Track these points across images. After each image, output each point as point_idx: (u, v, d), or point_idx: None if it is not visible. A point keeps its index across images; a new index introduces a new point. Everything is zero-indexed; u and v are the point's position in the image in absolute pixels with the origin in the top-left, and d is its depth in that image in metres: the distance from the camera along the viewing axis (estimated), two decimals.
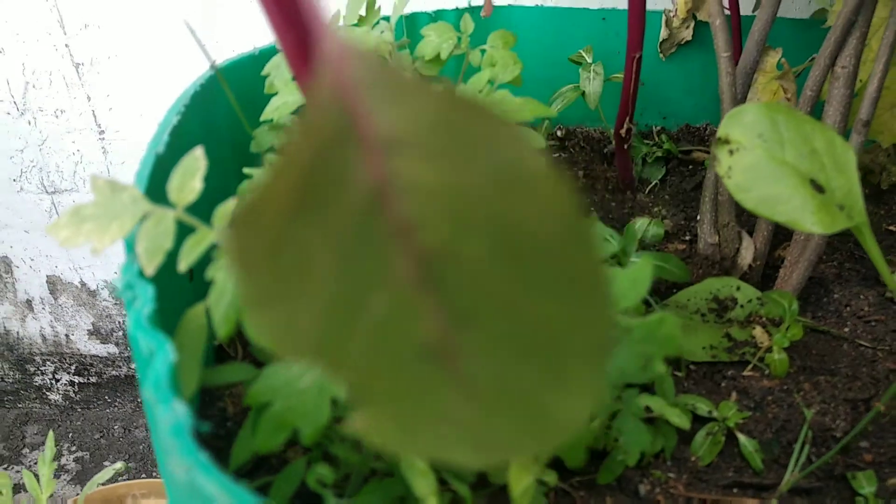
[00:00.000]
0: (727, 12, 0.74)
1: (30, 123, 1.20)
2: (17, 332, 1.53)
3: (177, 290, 0.28)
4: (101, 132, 1.19)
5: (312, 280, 0.13)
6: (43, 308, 1.48)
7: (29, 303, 1.48)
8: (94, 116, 1.18)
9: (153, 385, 0.19)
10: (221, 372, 0.26)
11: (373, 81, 0.15)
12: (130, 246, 0.26)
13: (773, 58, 0.69)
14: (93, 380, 1.60)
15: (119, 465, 0.73)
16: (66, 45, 1.11)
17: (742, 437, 0.46)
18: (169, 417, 0.18)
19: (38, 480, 0.61)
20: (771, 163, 0.39)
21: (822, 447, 0.47)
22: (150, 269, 0.24)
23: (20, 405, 1.63)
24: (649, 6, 0.81)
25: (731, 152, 0.40)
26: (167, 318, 0.26)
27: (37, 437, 1.60)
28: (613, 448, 0.40)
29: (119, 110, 1.17)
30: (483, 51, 0.54)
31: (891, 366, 0.53)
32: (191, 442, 0.18)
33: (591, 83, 0.73)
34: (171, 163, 0.36)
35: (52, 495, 0.68)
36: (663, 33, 0.80)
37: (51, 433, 0.66)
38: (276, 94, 0.48)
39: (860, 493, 0.44)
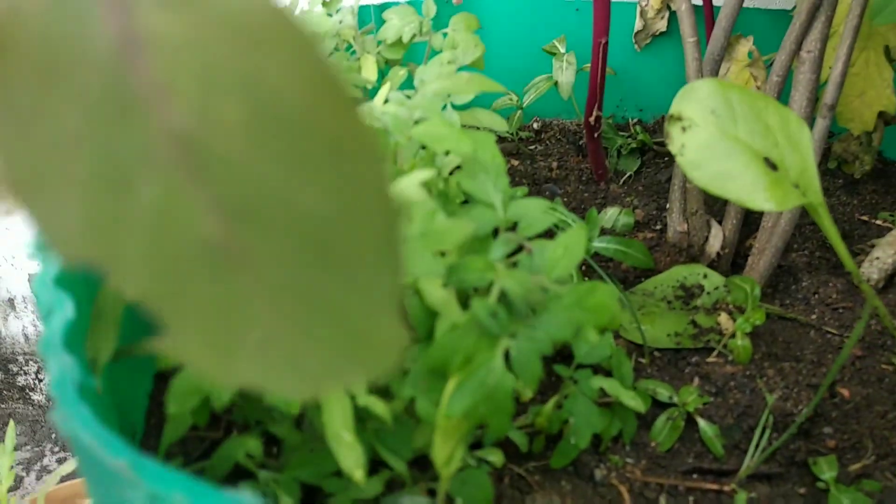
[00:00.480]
0: (699, 0, 0.74)
1: None
2: (0, 332, 1.52)
3: None
4: None
5: (71, 160, 0.12)
6: (25, 307, 1.47)
7: (11, 301, 1.47)
8: None
9: (45, 341, 0.19)
10: (140, 346, 0.26)
11: None
12: None
13: (745, 46, 0.68)
14: None
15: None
16: None
17: (702, 423, 0.46)
18: (56, 369, 0.18)
19: None
20: (723, 139, 0.39)
21: (783, 432, 0.46)
22: None
23: (3, 405, 1.62)
24: None
25: (683, 129, 0.39)
26: (92, 285, 0.26)
27: (20, 437, 1.59)
28: (566, 431, 0.40)
29: None
30: (445, 34, 0.53)
31: (858, 352, 0.52)
32: (73, 393, 0.17)
33: (564, 73, 0.73)
34: None
35: (16, 488, 0.67)
36: (638, 24, 0.80)
37: (11, 423, 0.65)
38: None
39: (821, 479, 0.43)
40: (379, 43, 0.55)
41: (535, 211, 0.31)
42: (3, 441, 0.64)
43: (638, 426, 0.46)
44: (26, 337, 1.54)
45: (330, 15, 0.55)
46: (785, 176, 0.39)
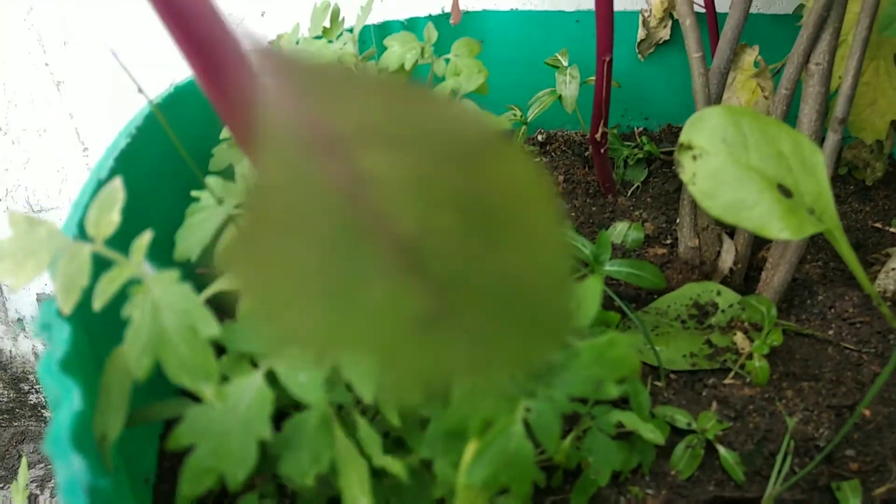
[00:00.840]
0: (703, 10, 0.73)
1: (13, 143, 1.19)
2: (10, 352, 1.52)
3: (109, 328, 0.27)
4: (85, 149, 1.18)
5: (309, 281, 0.14)
6: (34, 326, 1.47)
7: (20, 321, 1.48)
8: (77, 133, 1.17)
9: (52, 438, 0.18)
10: (151, 410, 0.25)
11: (311, 84, 0.16)
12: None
13: (751, 55, 0.68)
14: None
15: None
16: (46, 64, 1.10)
17: (722, 450, 0.45)
18: (64, 474, 0.17)
19: None
20: (736, 168, 0.38)
21: (805, 457, 0.46)
22: (66, 308, 0.23)
23: (16, 424, 1.62)
24: (626, 7, 0.80)
25: (694, 158, 0.39)
26: (101, 356, 0.25)
27: (33, 455, 1.59)
28: (585, 467, 0.39)
29: (101, 126, 1.16)
30: (447, 60, 0.52)
31: (876, 369, 0.52)
32: (84, 500, 0.17)
33: (568, 87, 0.72)
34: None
35: None
36: (641, 33, 0.79)
37: (24, 461, 0.65)
38: None
39: None
40: (380, 71, 0.55)
41: None
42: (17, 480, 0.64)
43: (656, 455, 0.45)
44: (36, 356, 1.55)
45: (331, 41, 0.55)
46: (800, 202, 0.39)
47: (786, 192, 0.39)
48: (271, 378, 0.23)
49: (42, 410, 1.62)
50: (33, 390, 1.61)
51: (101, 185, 0.33)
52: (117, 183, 0.25)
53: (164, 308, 0.22)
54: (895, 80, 0.58)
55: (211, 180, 0.32)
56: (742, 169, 0.38)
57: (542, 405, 0.25)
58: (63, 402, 0.20)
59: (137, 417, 0.26)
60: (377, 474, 0.30)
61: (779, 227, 0.37)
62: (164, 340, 0.22)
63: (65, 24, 1.07)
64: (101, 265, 0.24)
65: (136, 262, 0.23)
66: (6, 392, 1.59)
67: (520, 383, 0.25)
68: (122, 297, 0.25)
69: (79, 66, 1.10)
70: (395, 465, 0.27)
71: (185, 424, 0.22)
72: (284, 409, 0.27)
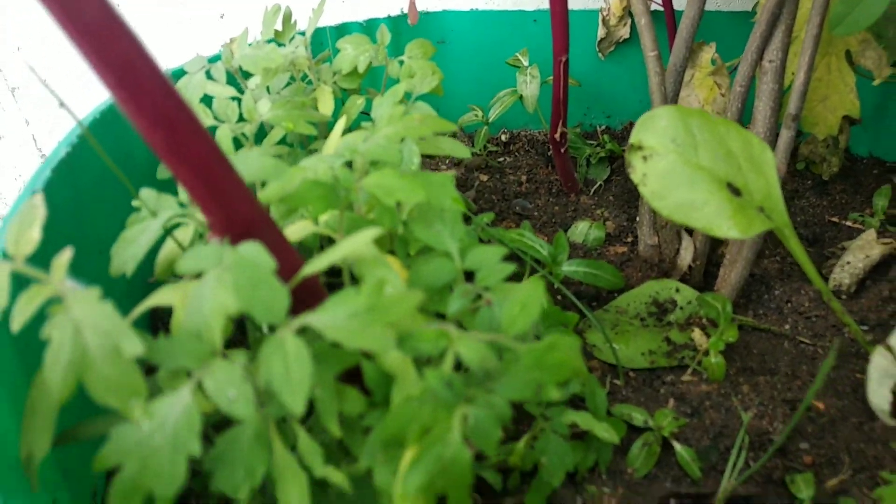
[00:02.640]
0: (661, 8, 0.73)
1: None
2: None
3: (39, 346, 0.26)
4: (42, 155, 1.16)
5: None
6: None
7: None
8: (34, 140, 1.15)
9: None
10: (80, 429, 0.25)
11: None
12: None
13: (708, 53, 0.68)
14: None
15: None
16: (0, 70, 1.07)
17: (678, 446, 0.45)
18: None
19: None
20: (685, 168, 0.38)
21: (760, 451, 0.46)
22: None
23: None
24: (586, 5, 0.80)
25: (644, 158, 0.39)
26: (31, 373, 0.24)
27: None
28: (541, 468, 0.39)
29: (58, 132, 1.14)
30: (402, 62, 0.52)
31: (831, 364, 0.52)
32: None
33: (528, 87, 0.72)
34: (57, 199, 0.34)
35: None
36: (601, 32, 0.79)
37: None
38: None
39: (798, 498, 0.43)
40: (335, 73, 0.54)
41: (494, 259, 0.30)
42: None
43: (614, 452, 0.45)
44: None
45: (282, 45, 0.54)
46: (749, 201, 0.39)
47: (735, 190, 0.39)
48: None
49: None
50: None
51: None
52: (38, 199, 0.24)
53: (85, 328, 0.21)
54: (846, 76, 0.59)
55: (145, 193, 0.31)
56: (692, 169, 0.38)
57: (480, 411, 0.24)
58: None
59: (67, 437, 0.25)
60: (322, 484, 0.29)
61: (728, 225, 0.37)
62: (87, 361, 0.21)
63: (17, 30, 1.05)
64: (23, 284, 0.23)
65: (58, 279, 0.23)
66: None
67: (459, 390, 0.24)
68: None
69: (33, 71, 1.08)
70: (336, 476, 0.26)
71: (112, 444, 0.21)
72: (221, 422, 0.27)
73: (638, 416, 0.46)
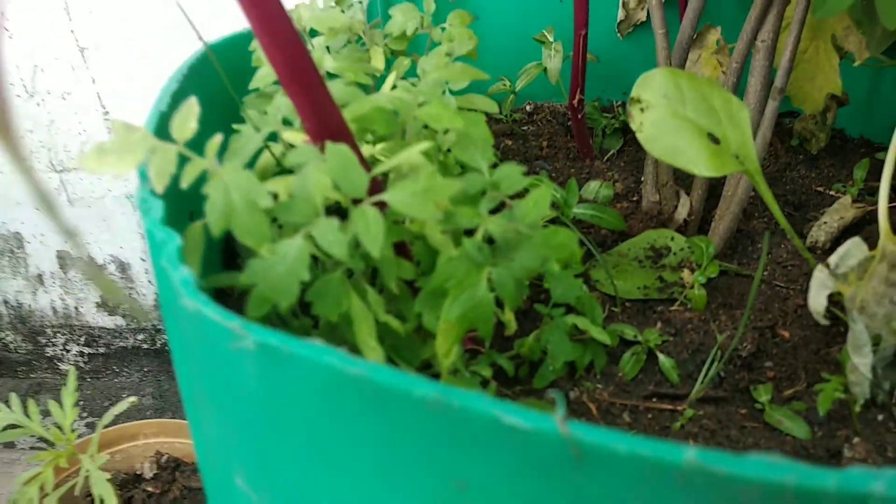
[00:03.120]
0: None
1: (38, 105, 1.27)
2: (29, 305, 1.61)
3: (180, 210, 0.36)
4: (106, 112, 1.27)
5: None
6: (53, 282, 1.56)
7: (40, 277, 1.57)
8: (99, 98, 1.25)
9: (167, 259, 0.27)
10: (221, 278, 0.35)
11: None
12: (143, 174, 0.34)
13: (714, 35, 0.76)
14: (101, 350, 1.68)
15: (133, 399, 0.82)
16: (72, 31, 1.18)
17: (662, 357, 0.54)
18: (177, 275, 0.26)
19: (61, 408, 0.69)
20: (674, 118, 0.47)
21: (730, 366, 0.55)
22: (159, 188, 0.32)
23: (33, 375, 1.72)
24: None
25: (641, 110, 0.48)
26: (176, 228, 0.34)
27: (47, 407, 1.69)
28: (544, 359, 0.49)
29: (122, 92, 1.24)
30: (443, 28, 0.61)
31: (800, 302, 0.61)
32: (193, 287, 0.26)
33: (552, 60, 0.81)
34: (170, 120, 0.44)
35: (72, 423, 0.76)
36: (620, 14, 0.87)
37: (72, 370, 0.74)
38: (260, 67, 0.55)
39: (758, 402, 0.52)
40: (385, 36, 0.64)
41: (515, 174, 0.39)
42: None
43: (608, 360, 0.55)
44: (54, 310, 1.64)
45: (343, 11, 0.63)
46: (726, 148, 0.48)
47: (715, 140, 0.48)
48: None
49: (58, 363, 1.71)
50: (50, 343, 1.70)
51: (162, 116, 0.42)
52: (193, 100, 0.34)
53: (232, 188, 0.31)
54: (832, 58, 0.67)
55: (250, 111, 0.40)
56: (679, 120, 0.47)
57: (502, 271, 0.34)
58: (168, 242, 0.29)
59: (212, 282, 0.35)
60: (380, 338, 0.39)
61: (704, 165, 0.46)
62: (233, 211, 0.31)
63: None
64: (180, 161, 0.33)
65: (210, 157, 0.32)
66: (24, 345, 1.69)
67: (486, 255, 0.34)
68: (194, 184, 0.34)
69: (103, 34, 1.18)
70: (393, 322, 0.36)
71: (249, 269, 0.31)
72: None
73: (629, 332, 0.56)
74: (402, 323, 0.38)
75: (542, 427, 0.21)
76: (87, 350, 1.67)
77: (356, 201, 0.34)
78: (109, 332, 1.67)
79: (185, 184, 0.32)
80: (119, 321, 1.64)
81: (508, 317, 0.42)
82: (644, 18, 0.88)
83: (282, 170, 0.43)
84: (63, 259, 1.52)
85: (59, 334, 1.67)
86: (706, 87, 0.48)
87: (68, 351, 1.68)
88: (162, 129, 0.40)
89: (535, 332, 0.48)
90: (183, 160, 0.33)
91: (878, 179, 0.66)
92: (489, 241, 0.35)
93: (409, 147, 0.36)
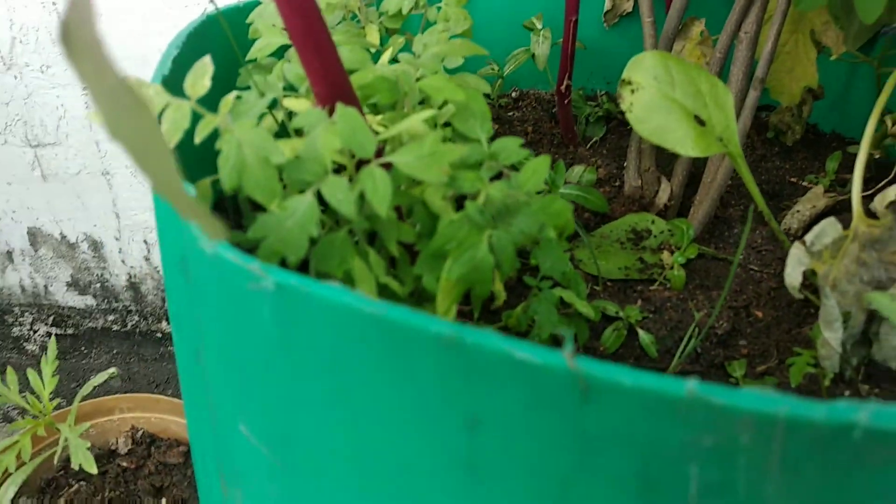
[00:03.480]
0: None
1: (16, 78, 1.25)
2: None
3: (191, 161, 0.37)
4: (85, 87, 1.25)
5: None
6: (23, 259, 1.54)
7: (9, 254, 1.54)
8: None
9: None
10: (237, 235, 0.35)
11: None
12: None
13: (698, 27, 0.78)
14: (69, 331, 1.66)
15: (112, 370, 0.82)
16: (54, 3, 1.16)
17: (641, 332, 0.56)
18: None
19: (41, 378, 0.68)
20: (663, 100, 0.49)
21: (706, 343, 0.57)
22: (171, 143, 0.32)
23: None
24: None
25: (632, 91, 0.49)
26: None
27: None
28: (531, 329, 0.50)
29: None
30: (439, 8, 0.62)
31: (773, 284, 0.63)
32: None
33: (540, 47, 0.82)
34: (173, 83, 0.45)
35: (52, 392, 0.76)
36: (607, 4, 0.89)
37: (53, 339, 0.74)
38: (258, 38, 0.56)
39: (732, 376, 0.54)
40: (381, 14, 0.64)
41: (513, 146, 0.41)
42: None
43: (590, 335, 0.56)
44: (23, 289, 1.61)
45: None
46: (711, 130, 0.50)
47: (701, 122, 0.50)
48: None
49: (24, 344, 1.68)
50: (17, 323, 1.67)
51: (164, 78, 0.43)
52: (207, 59, 0.35)
53: (245, 143, 0.32)
54: (810, 52, 0.70)
55: (256, 77, 0.41)
56: (668, 101, 0.49)
57: (501, 234, 0.35)
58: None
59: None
60: (382, 291, 0.40)
61: (691, 146, 0.48)
62: (245, 166, 0.32)
63: None
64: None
65: (223, 114, 0.33)
66: None
67: (487, 218, 0.35)
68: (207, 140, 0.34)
69: None
70: (393, 283, 0.37)
71: (259, 223, 0.32)
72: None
73: (611, 308, 0.57)
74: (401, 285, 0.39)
75: (552, 362, 0.22)
76: (55, 330, 1.65)
77: (361, 164, 0.35)
78: (79, 312, 1.65)
79: (198, 139, 0.32)
80: (89, 301, 1.62)
81: (498, 287, 0.44)
82: (630, 9, 0.90)
83: (280, 135, 0.43)
84: (34, 236, 1.50)
85: (26, 314, 1.64)
86: (694, 72, 0.50)
87: (35, 331, 1.65)
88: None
89: (524, 303, 0.50)
90: (196, 116, 0.34)
91: (849, 172, 0.69)
92: (488, 207, 0.36)
93: (412, 115, 0.37)
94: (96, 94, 0.19)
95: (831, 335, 0.47)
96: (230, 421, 0.32)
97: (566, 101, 0.77)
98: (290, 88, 0.47)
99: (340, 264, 0.34)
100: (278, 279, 0.24)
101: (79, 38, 0.19)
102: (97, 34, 0.20)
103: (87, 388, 0.78)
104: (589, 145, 0.87)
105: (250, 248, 0.34)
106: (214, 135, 0.34)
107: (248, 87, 0.52)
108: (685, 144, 0.48)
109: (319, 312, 0.25)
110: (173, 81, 0.45)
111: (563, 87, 0.74)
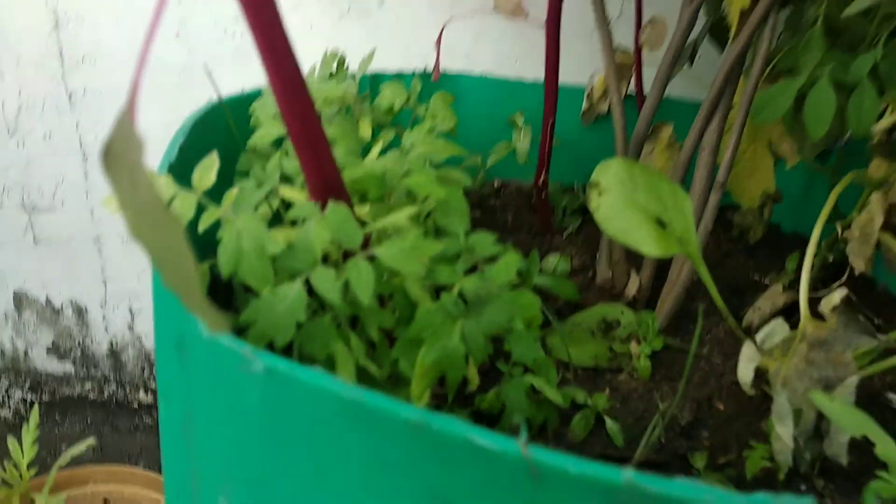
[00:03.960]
0: (633, 91, 0.91)
1: (18, 144, 1.29)
2: None
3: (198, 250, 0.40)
4: (85, 157, 1.29)
5: None
6: (6, 323, 1.54)
7: None
8: (80, 142, 1.28)
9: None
10: (232, 317, 0.38)
11: None
12: None
13: (667, 131, 0.85)
14: (45, 398, 1.64)
15: (90, 441, 0.82)
16: (62, 76, 1.22)
17: (609, 421, 0.59)
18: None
19: (20, 447, 0.69)
20: (627, 203, 0.53)
21: (669, 433, 0.60)
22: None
23: None
24: (576, 80, 0.97)
25: (599, 193, 0.54)
26: None
27: None
28: (502, 415, 0.53)
29: (102, 138, 1.28)
30: (426, 108, 0.68)
31: (734, 378, 0.66)
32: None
33: (522, 142, 0.88)
34: (179, 170, 0.48)
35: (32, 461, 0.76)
36: (585, 105, 0.96)
37: (35, 407, 0.74)
38: (259, 126, 0.60)
39: (694, 467, 0.56)
40: (373, 109, 0.70)
41: (487, 241, 0.45)
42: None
43: (560, 422, 0.59)
44: (3, 353, 1.60)
45: (338, 84, 0.69)
46: (671, 232, 0.54)
47: (662, 224, 0.54)
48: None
49: None
50: None
51: (171, 165, 0.47)
52: (214, 155, 0.38)
53: (243, 234, 0.35)
54: (768, 160, 0.76)
55: (255, 167, 0.45)
56: (631, 204, 0.53)
57: (472, 324, 0.38)
58: None
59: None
60: (361, 374, 0.43)
61: (653, 246, 0.52)
62: (242, 254, 0.35)
63: (86, 41, 1.20)
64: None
65: (226, 207, 0.37)
66: None
67: (460, 309, 0.38)
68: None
69: (93, 81, 1.22)
70: (372, 367, 0.40)
71: (251, 308, 0.35)
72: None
73: (580, 395, 0.60)
74: (380, 368, 0.42)
75: (508, 448, 0.25)
76: (30, 396, 1.63)
77: (347, 255, 0.38)
78: (56, 378, 1.63)
79: (201, 228, 0.36)
80: (68, 367, 1.62)
81: (472, 372, 0.47)
82: (606, 110, 0.96)
83: (273, 221, 0.47)
84: (20, 300, 1.51)
85: (3, 378, 1.63)
86: (656, 178, 0.54)
87: (10, 396, 1.63)
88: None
89: (496, 388, 0.52)
90: (201, 208, 0.37)
91: None
92: (462, 298, 0.40)
93: (397, 211, 0.41)
94: (125, 203, 0.22)
95: (783, 430, 0.50)
96: (211, 493, 0.34)
97: (543, 195, 0.82)
98: (287, 179, 0.51)
99: (324, 348, 0.37)
100: (267, 363, 0.27)
101: (120, 158, 0.22)
102: (139, 158, 0.23)
103: (64, 459, 0.78)
104: (565, 235, 0.91)
105: (240, 329, 0.37)
106: (217, 225, 0.38)
107: (248, 172, 0.56)
108: (647, 244, 0.52)
109: (303, 395, 0.27)
110: (179, 168, 0.48)
111: (540, 182, 0.79)
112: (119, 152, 0.22)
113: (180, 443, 0.37)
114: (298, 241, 0.37)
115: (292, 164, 0.49)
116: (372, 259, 0.37)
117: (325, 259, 0.40)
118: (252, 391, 0.28)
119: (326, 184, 0.40)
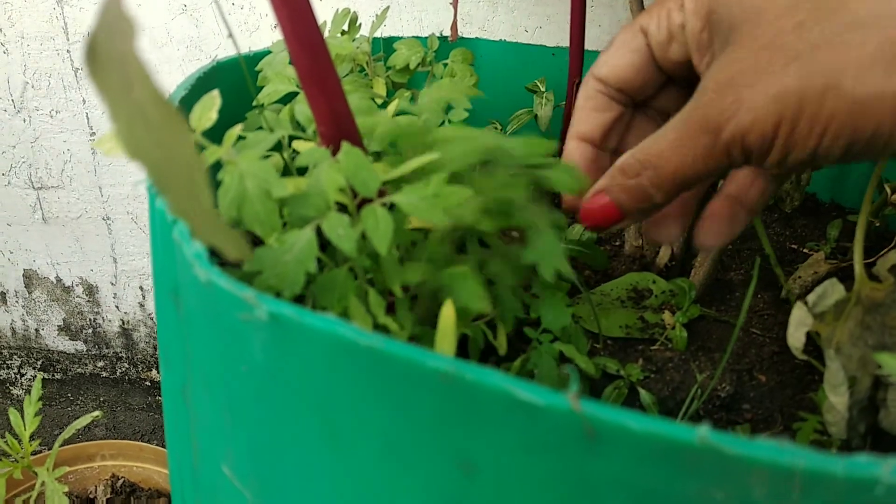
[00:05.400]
0: None
1: (24, 121, 1.27)
2: None
3: None
4: (93, 133, 1.26)
5: None
6: (16, 301, 1.52)
7: (3, 295, 1.52)
8: (88, 118, 1.25)
9: (180, 233, 0.27)
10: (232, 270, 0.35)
11: None
12: None
13: None
14: (57, 376, 1.63)
15: (97, 413, 0.79)
16: (68, 51, 1.19)
17: (643, 392, 0.55)
18: (191, 248, 0.26)
19: (22, 418, 0.66)
20: None
21: (709, 405, 0.56)
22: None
23: None
24: (599, 47, 0.92)
25: None
26: None
27: None
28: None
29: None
30: (445, 64, 0.63)
31: (775, 349, 0.62)
32: (207, 260, 0.26)
33: (543, 108, 0.84)
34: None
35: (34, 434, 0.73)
36: None
37: (39, 376, 0.72)
38: (265, 84, 0.56)
39: None
40: (388, 68, 0.66)
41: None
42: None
43: (591, 394, 0.55)
44: (14, 331, 1.59)
45: (353, 40, 0.65)
46: None
47: None
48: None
49: (10, 387, 1.65)
50: (5, 366, 1.64)
51: None
52: (215, 92, 0.35)
53: (247, 175, 0.31)
54: None
55: (266, 113, 0.41)
56: None
57: (498, 265, 0.35)
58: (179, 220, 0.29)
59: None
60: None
61: None
62: (245, 199, 0.31)
63: (90, 15, 1.17)
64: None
65: (227, 146, 0.33)
66: None
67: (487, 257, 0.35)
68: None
69: None
70: (392, 325, 0.36)
71: (255, 257, 0.31)
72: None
73: (612, 366, 0.56)
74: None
75: (556, 403, 0.21)
76: (42, 375, 1.62)
77: (363, 203, 0.34)
78: (69, 357, 1.62)
79: None
80: (80, 346, 1.60)
81: (501, 337, 0.43)
82: None
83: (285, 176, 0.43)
84: (29, 279, 1.49)
85: (15, 356, 1.61)
86: None
87: (23, 375, 1.62)
88: None
89: (524, 355, 0.49)
90: (201, 148, 0.33)
91: (849, 241, 0.69)
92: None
93: (418, 157, 0.37)
94: (116, 109, 0.19)
95: (837, 399, 0.46)
96: (213, 461, 0.31)
97: None
98: (300, 130, 0.47)
99: (340, 300, 0.33)
100: (272, 309, 0.24)
101: (107, 53, 0.18)
102: (132, 46, 0.19)
103: (69, 431, 0.75)
104: None
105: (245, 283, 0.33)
106: (216, 168, 0.34)
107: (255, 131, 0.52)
108: None
109: (313, 344, 0.24)
110: None
111: (564, 149, 0.74)
112: (106, 45, 0.18)
113: (181, 408, 0.34)
114: (309, 187, 0.33)
115: (306, 112, 0.46)
116: (391, 207, 0.34)
117: (340, 210, 0.36)
118: (255, 342, 0.25)
119: (339, 128, 0.36)
